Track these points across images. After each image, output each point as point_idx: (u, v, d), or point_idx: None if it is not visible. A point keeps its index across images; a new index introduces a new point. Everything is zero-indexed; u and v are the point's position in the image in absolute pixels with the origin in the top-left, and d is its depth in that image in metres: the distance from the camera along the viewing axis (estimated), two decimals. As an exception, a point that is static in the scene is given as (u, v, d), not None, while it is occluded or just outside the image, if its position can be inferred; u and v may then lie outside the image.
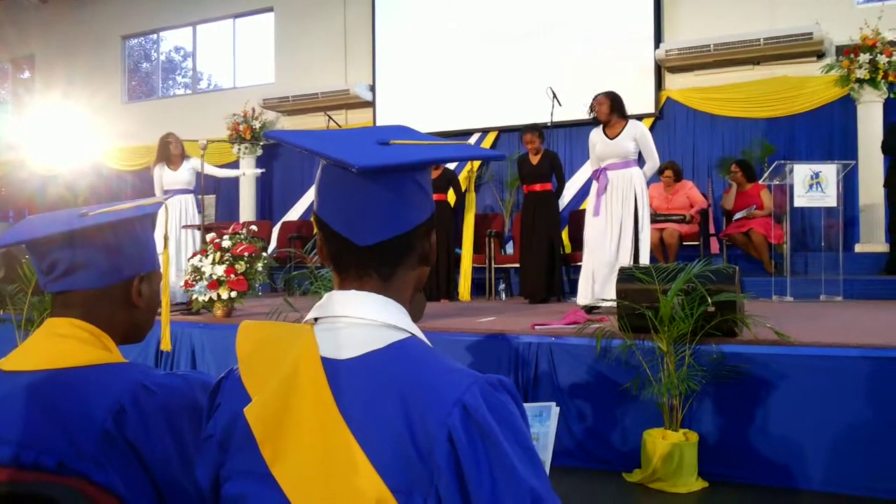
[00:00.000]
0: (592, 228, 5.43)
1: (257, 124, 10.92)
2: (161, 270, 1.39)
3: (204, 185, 6.50)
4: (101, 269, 1.25)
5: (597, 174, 5.51)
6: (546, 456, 1.24)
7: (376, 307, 0.96)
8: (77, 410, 1.10)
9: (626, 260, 5.16)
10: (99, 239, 1.24)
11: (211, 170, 6.72)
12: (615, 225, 5.31)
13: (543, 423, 1.29)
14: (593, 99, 5.55)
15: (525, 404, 0.97)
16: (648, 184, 5.57)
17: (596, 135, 5.57)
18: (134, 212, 1.29)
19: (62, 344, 1.20)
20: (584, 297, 5.40)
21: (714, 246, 7.71)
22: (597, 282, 5.31)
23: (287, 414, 0.90)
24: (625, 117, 5.48)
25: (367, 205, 0.95)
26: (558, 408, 1.34)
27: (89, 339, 1.22)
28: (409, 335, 0.95)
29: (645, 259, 5.24)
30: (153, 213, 1.35)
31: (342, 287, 0.99)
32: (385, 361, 0.90)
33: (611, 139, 5.43)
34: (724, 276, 3.62)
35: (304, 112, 10.84)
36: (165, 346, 1.37)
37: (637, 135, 5.39)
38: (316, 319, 0.98)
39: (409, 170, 0.97)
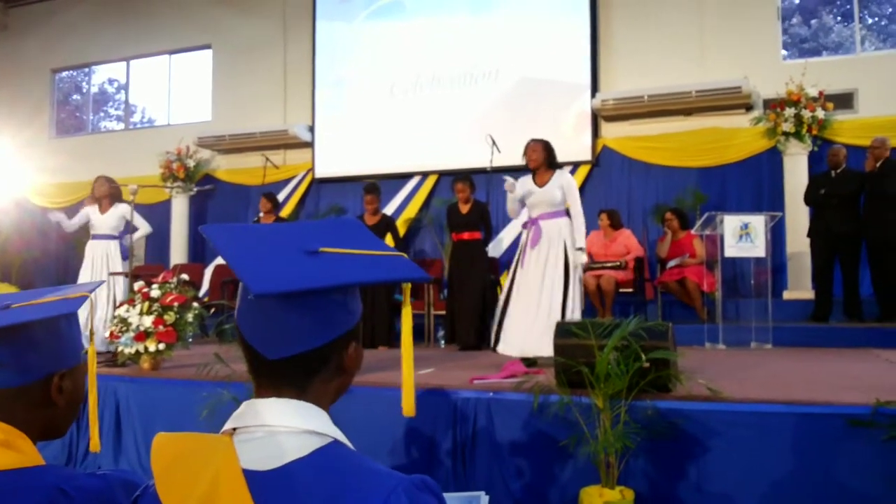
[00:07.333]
0: (520, 278, 5.31)
1: (191, 162, 10.68)
2: (84, 364, 1.31)
3: (132, 227, 6.32)
4: (21, 366, 1.18)
5: (527, 224, 5.44)
6: None
7: (296, 414, 0.95)
8: None
9: (553, 310, 5.05)
10: (19, 335, 1.17)
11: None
12: (541, 274, 5.19)
13: None
14: (526, 145, 5.48)
15: (454, 494, 0.99)
16: (588, 231, 5.53)
17: (525, 183, 5.48)
18: (58, 308, 1.22)
19: None
20: (512, 347, 5.17)
21: (649, 292, 7.82)
22: (525, 332, 5.13)
23: None
24: (554, 167, 5.42)
25: (275, 321, 0.96)
26: (487, 496, 1.33)
27: (3, 441, 1.14)
28: (331, 440, 0.94)
29: (575, 311, 5.14)
30: (77, 309, 1.28)
31: (260, 395, 0.98)
32: (308, 470, 0.89)
33: (539, 187, 5.36)
34: (658, 332, 3.65)
35: (242, 151, 10.67)
36: (94, 447, 1.30)
37: (564, 184, 5.32)
38: (234, 430, 0.96)
39: (321, 292, 0.96)
